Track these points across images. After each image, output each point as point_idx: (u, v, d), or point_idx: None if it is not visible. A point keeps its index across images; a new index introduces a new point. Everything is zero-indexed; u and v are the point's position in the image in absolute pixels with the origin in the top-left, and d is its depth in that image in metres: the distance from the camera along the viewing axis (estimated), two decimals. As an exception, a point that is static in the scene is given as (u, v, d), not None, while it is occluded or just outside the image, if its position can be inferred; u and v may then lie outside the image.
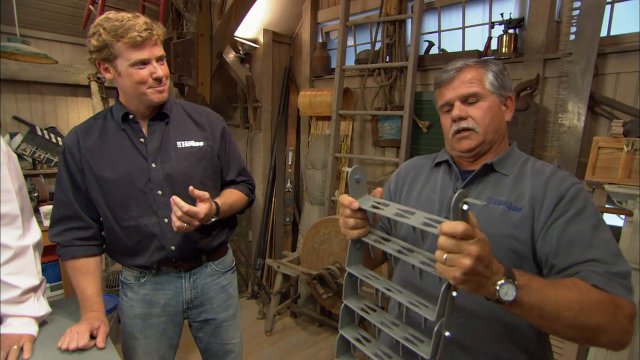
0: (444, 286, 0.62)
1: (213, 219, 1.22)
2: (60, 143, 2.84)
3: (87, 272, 1.22)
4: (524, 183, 0.86)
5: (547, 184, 0.82)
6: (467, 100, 0.90)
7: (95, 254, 1.26)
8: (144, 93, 1.16)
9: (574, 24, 1.92)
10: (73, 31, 2.83)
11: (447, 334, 0.64)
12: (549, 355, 0.91)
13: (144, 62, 1.13)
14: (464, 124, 0.90)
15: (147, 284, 1.30)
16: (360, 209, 0.75)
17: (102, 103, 2.98)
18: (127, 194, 1.20)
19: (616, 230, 1.85)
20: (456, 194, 0.58)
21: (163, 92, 1.20)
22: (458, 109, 0.90)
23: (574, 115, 1.92)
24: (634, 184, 1.65)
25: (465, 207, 0.58)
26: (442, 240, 0.59)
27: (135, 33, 1.08)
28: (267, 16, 3.17)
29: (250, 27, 3.19)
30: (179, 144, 1.26)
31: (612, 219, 1.91)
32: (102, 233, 1.29)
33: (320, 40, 3.30)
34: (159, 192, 1.22)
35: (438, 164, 1.01)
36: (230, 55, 3.18)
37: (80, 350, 1.06)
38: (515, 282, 0.64)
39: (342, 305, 0.80)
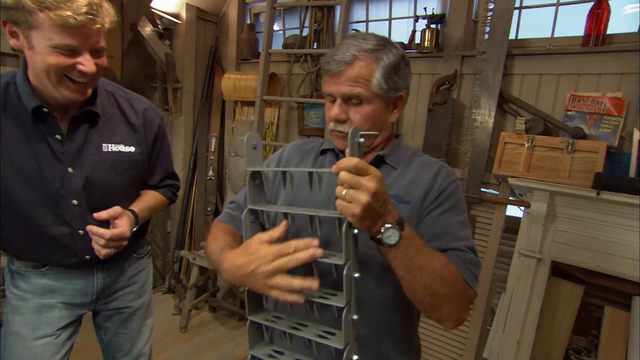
0: (344, 226, 0.65)
1: (134, 229, 1.11)
2: None
3: None
4: (412, 176, 0.87)
5: (435, 177, 0.86)
6: (350, 99, 0.83)
7: None
8: (56, 83, 0.89)
9: (488, 24, 2.01)
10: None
11: (356, 275, 0.67)
12: (414, 339, 0.94)
13: (72, 50, 0.86)
14: (340, 128, 0.85)
15: (49, 273, 1.11)
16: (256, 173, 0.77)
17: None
18: (30, 200, 0.99)
19: (516, 221, 1.98)
20: (351, 129, 0.63)
21: (83, 91, 0.95)
22: (338, 109, 0.83)
23: (486, 111, 2.02)
24: (532, 177, 1.77)
25: (361, 140, 0.64)
26: (342, 175, 0.62)
27: (69, 12, 0.80)
28: (190, -11, 2.93)
29: (171, 0, 2.93)
30: (104, 146, 1.06)
31: (513, 211, 2.05)
32: None
33: (249, 22, 3.14)
34: (74, 202, 1.04)
35: (324, 152, 0.97)
36: (147, 29, 2.89)
37: None
38: (402, 232, 0.67)
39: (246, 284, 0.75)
